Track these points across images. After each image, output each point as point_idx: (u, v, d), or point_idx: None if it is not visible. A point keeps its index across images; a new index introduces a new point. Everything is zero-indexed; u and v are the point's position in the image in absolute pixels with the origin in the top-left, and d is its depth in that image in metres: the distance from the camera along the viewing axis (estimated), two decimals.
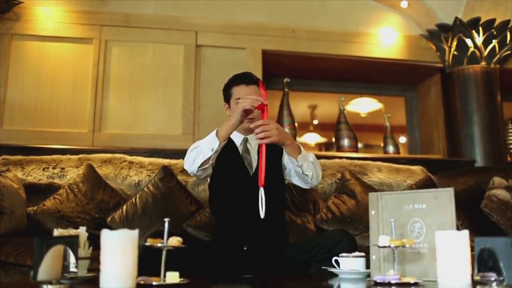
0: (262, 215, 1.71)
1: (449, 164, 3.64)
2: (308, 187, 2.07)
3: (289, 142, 1.87)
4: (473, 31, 3.72)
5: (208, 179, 2.09)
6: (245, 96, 1.86)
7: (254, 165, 2.01)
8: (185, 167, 1.95)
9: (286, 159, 2.03)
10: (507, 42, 3.79)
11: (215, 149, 1.84)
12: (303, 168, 1.91)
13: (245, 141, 2.07)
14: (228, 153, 1.98)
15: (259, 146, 1.81)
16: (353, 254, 1.52)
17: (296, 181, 2.08)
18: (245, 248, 1.88)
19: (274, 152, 2.04)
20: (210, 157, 1.85)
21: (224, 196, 2.01)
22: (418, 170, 3.18)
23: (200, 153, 1.86)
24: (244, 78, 2.04)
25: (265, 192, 1.89)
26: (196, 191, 2.70)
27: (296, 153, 1.90)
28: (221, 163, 1.97)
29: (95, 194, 2.51)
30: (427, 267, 1.32)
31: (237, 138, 2.07)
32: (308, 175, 1.93)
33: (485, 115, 3.71)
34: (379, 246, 1.30)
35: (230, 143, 2.00)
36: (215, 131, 1.86)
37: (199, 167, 1.88)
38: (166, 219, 1.17)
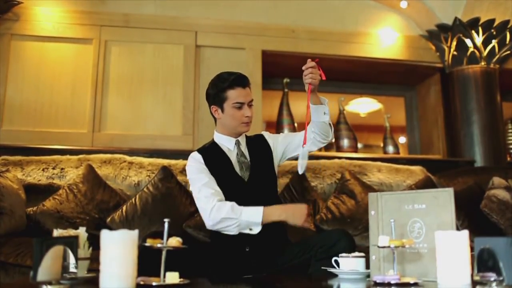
0: (300, 171, 1.78)
1: (449, 164, 3.64)
2: (321, 146, 2.05)
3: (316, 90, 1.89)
4: (473, 31, 3.72)
5: None
6: (302, 216, 1.80)
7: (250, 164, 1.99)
8: (206, 220, 1.86)
9: (281, 145, 2.06)
10: (507, 42, 3.79)
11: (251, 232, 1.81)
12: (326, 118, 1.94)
13: (238, 144, 2.02)
14: (221, 162, 1.96)
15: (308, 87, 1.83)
16: (353, 254, 1.52)
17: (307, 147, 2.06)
18: (247, 250, 1.87)
19: (262, 150, 2.05)
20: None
21: None
22: (417, 170, 3.18)
23: (234, 228, 1.81)
24: (239, 81, 1.95)
25: (260, 191, 1.94)
26: None
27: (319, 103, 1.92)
28: (216, 173, 1.93)
29: (94, 194, 2.50)
30: (427, 267, 1.32)
31: (229, 142, 2.01)
32: (331, 124, 1.97)
33: (485, 115, 3.71)
34: (378, 246, 1.30)
35: (221, 151, 1.99)
36: (261, 211, 1.80)
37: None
38: (166, 220, 1.17)
